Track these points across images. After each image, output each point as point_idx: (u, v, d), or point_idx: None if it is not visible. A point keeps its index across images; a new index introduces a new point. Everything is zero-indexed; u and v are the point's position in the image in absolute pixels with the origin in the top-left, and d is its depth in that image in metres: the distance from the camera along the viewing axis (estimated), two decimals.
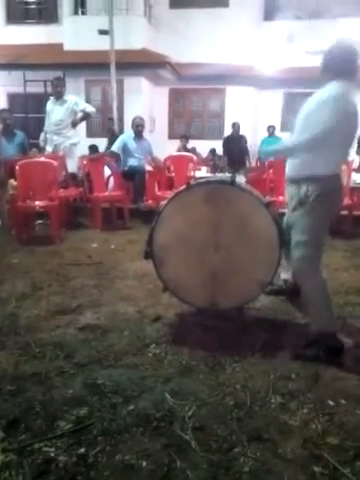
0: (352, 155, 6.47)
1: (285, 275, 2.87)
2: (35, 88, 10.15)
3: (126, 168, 5.90)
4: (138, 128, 5.97)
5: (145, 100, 10.70)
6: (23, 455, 1.56)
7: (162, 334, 2.50)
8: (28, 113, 10.53)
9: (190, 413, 1.81)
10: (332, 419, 1.80)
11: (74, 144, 6.00)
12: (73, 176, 5.93)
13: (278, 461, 1.57)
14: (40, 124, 6.49)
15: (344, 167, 5.18)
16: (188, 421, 1.76)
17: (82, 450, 1.59)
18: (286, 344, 2.40)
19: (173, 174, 6.00)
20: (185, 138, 9.50)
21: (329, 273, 2.43)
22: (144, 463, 1.54)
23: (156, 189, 5.76)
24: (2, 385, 1.98)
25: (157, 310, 2.81)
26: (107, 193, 5.71)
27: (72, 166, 5.95)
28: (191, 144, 9.79)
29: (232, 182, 2.55)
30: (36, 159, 5.35)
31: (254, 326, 2.62)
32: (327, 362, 2.19)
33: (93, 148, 7.85)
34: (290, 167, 2.41)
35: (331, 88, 2.21)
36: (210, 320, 2.60)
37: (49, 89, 8.36)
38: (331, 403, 1.90)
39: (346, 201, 5.01)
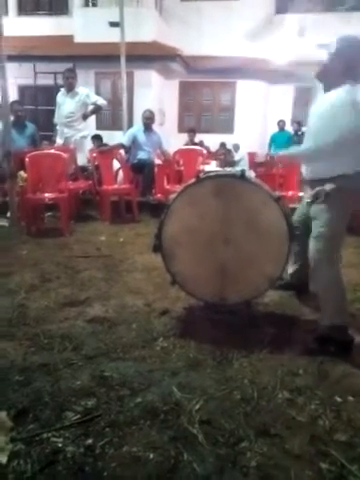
0: None
1: (291, 269, 2.86)
2: (45, 80, 10.17)
3: (135, 161, 5.89)
4: (147, 121, 5.96)
5: (155, 93, 10.67)
6: (31, 445, 1.58)
7: (170, 328, 2.51)
8: (38, 105, 10.56)
9: (197, 407, 1.81)
10: (340, 415, 1.79)
11: (84, 137, 6.01)
12: (83, 169, 5.93)
13: (285, 456, 1.56)
14: (50, 116, 6.49)
15: None
16: (195, 415, 1.76)
17: (89, 441, 1.60)
18: (294, 339, 2.39)
19: (182, 168, 5.97)
20: (193, 132, 9.45)
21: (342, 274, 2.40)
22: (151, 455, 1.54)
23: (165, 182, 5.75)
24: (11, 375, 1.99)
25: (165, 304, 2.81)
26: (116, 186, 5.71)
27: (82, 159, 5.96)
28: (201, 138, 9.74)
29: (242, 176, 2.53)
30: (46, 151, 5.37)
31: (262, 321, 2.61)
32: (336, 358, 2.18)
33: (97, 138, 7.82)
34: (311, 169, 2.38)
35: (346, 91, 2.16)
36: (218, 314, 2.60)
37: (60, 81, 8.36)
38: (339, 399, 1.89)
39: None
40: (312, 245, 2.32)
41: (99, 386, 1.93)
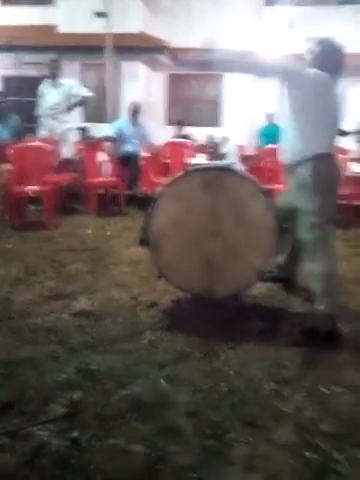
0: (351, 145, 6.45)
1: (277, 261, 2.87)
2: (30, 71, 9.98)
3: (122, 153, 5.84)
4: (134, 113, 5.90)
5: (142, 85, 10.56)
6: (16, 438, 1.56)
7: (157, 320, 2.50)
8: (22, 96, 10.36)
9: (184, 399, 1.81)
10: (325, 406, 1.81)
11: (69, 129, 5.92)
12: (68, 161, 5.85)
13: (271, 447, 1.57)
14: (34, 108, 6.37)
15: (340, 156, 5.20)
16: (182, 407, 1.76)
17: (75, 434, 1.58)
18: (281, 331, 2.40)
19: (169, 160, 5.94)
20: (181, 124, 9.39)
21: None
22: (137, 447, 1.54)
23: (152, 175, 5.72)
24: None
25: (152, 297, 2.80)
26: (102, 179, 5.66)
27: (67, 151, 5.87)
28: (189, 130, 9.69)
29: (229, 169, 2.53)
30: (30, 143, 5.28)
31: (250, 313, 2.62)
32: (322, 349, 2.20)
33: (83, 130, 7.71)
34: (285, 155, 2.47)
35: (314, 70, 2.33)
36: (205, 307, 2.60)
37: (44, 72, 8.21)
38: (325, 391, 1.91)
39: (345, 190, 5.00)
40: (308, 237, 2.35)
41: (85, 379, 1.91)
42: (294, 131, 2.38)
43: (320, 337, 2.26)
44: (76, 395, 1.80)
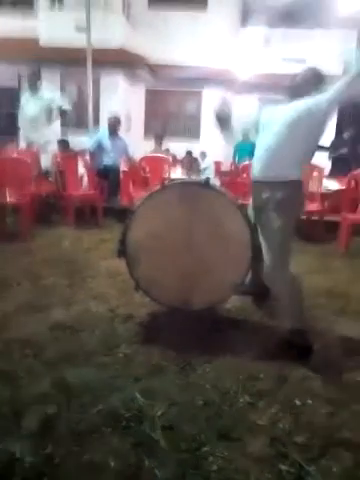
0: (323, 161, 6.64)
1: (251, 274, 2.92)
2: (9, 82, 9.94)
3: (101, 166, 5.85)
4: (113, 127, 5.94)
5: (121, 98, 10.64)
6: None
7: (133, 334, 2.50)
8: (1, 108, 10.30)
9: (160, 413, 1.81)
10: (299, 418, 1.84)
11: (48, 141, 5.91)
12: (47, 172, 5.83)
13: (246, 460, 1.59)
14: (13, 120, 6.35)
15: (315, 173, 5.35)
16: (158, 420, 1.76)
17: (49, 450, 1.56)
18: (255, 344, 2.43)
19: (148, 174, 5.98)
20: (160, 138, 9.48)
21: (299, 276, 2.48)
22: (112, 463, 1.53)
23: (130, 188, 5.74)
24: None
25: (129, 309, 2.80)
26: (81, 192, 5.64)
27: (46, 162, 5.85)
28: (167, 144, 9.78)
29: (206, 184, 2.57)
30: (9, 155, 5.24)
31: (225, 326, 2.64)
32: (295, 362, 2.24)
33: (63, 143, 7.71)
34: (254, 168, 2.48)
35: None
36: (182, 320, 2.61)
37: (24, 84, 8.20)
38: (298, 403, 1.94)
39: (317, 207, 5.15)
40: (267, 254, 2.39)
41: (60, 393, 1.89)
42: (265, 150, 2.40)
43: (293, 350, 2.30)
44: (51, 409, 1.78)
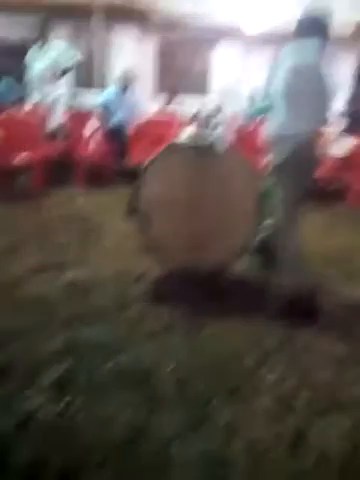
0: (331, 125, 6.41)
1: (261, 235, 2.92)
2: (18, 34, 9.63)
3: (111, 125, 5.75)
4: (126, 83, 5.76)
5: (131, 52, 10.29)
6: (6, 406, 1.60)
7: (144, 293, 2.54)
8: (10, 61, 10.00)
9: (170, 369, 1.87)
10: (304, 376, 1.89)
11: (57, 99, 5.77)
12: (57, 131, 5.74)
13: (252, 414, 1.65)
14: (21, 74, 6.18)
15: (328, 132, 5.18)
16: (168, 376, 1.82)
17: (63, 403, 1.64)
18: (264, 305, 2.46)
19: (158, 133, 5.86)
20: (172, 92, 9.20)
21: (305, 241, 2.48)
22: (124, 415, 1.60)
23: (140, 147, 5.65)
24: None
25: (140, 269, 2.83)
26: (90, 151, 5.58)
27: (55, 121, 5.75)
28: (179, 100, 9.51)
29: (217, 143, 2.52)
30: (18, 113, 5.16)
31: (234, 287, 2.67)
32: (303, 323, 2.27)
33: (72, 101, 7.51)
34: (269, 128, 2.49)
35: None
36: (191, 280, 2.64)
37: (32, 36, 7.93)
38: (304, 361, 1.98)
39: (325, 172, 5.01)
40: (279, 213, 2.43)
41: (73, 349, 1.96)
42: (282, 106, 2.39)
43: (299, 310, 2.33)
44: (64, 366, 1.85)
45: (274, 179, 2.45)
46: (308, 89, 2.33)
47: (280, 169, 2.39)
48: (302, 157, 2.36)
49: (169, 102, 8.94)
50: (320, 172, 4.76)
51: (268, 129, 2.49)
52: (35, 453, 1.41)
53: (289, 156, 2.34)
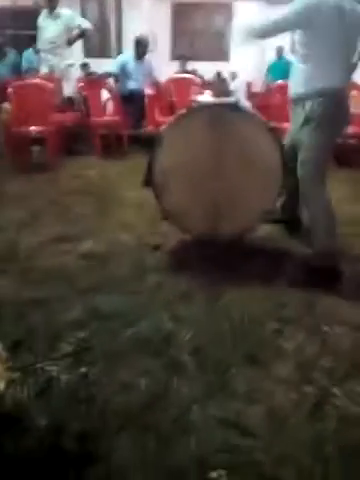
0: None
1: (281, 201, 2.84)
2: (25, 1, 9.39)
3: (125, 91, 5.62)
4: (142, 49, 5.59)
5: (145, 16, 9.94)
6: (27, 374, 1.63)
7: (161, 262, 2.52)
8: (18, 30, 9.82)
9: (188, 337, 1.86)
10: (325, 343, 1.85)
11: (71, 65, 5.65)
12: (70, 100, 5.66)
13: (271, 382, 1.63)
14: (32, 42, 6.05)
15: (354, 92, 4.94)
16: (186, 344, 1.82)
17: (83, 370, 1.65)
18: (284, 272, 2.42)
19: (174, 98, 5.72)
20: (184, 58, 8.91)
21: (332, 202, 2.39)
22: (143, 381, 1.60)
23: (156, 114, 5.53)
24: (4, 310, 2.02)
25: (157, 239, 2.81)
26: (105, 118, 5.49)
27: (69, 89, 5.65)
28: (195, 65, 9.22)
29: (236, 106, 2.43)
30: (31, 81, 5.08)
31: (253, 254, 2.63)
32: (324, 288, 2.22)
33: (85, 66, 7.39)
34: (293, 86, 2.39)
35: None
36: (210, 248, 2.60)
37: (41, 2, 7.72)
38: (325, 328, 1.95)
39: (354, 129, 4.82)
40: (299, 170, 2.33)
41: (92, 319, 1.97)
42: (303, 63, 2.27)
43: (321, 276, 2.28)
44: (83, 334, 1.86)
45: (302, 136, 2.34)
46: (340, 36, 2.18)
47: (310, 125, 2.28)
48: (334, 112, 2.25)
49: (183, 67, 8.68)
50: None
51: (295, 86, 2.37)
52: (55, 418, 1.43)
53: (320, 111, 2.23)
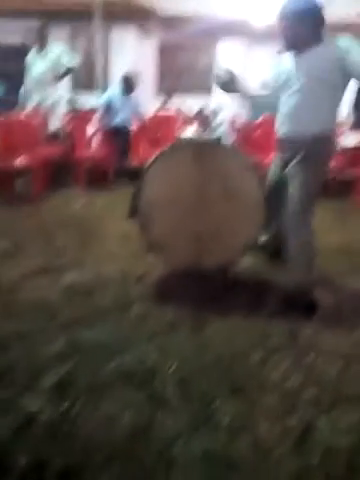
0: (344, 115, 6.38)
1: (264, 234, 2.89)
2: (15, 39, 9.64)
3: (111, 126, 5.74)
4: (130, 85, 5.75)
5: (132, 53, 10.29)
6: (7, 408, 1.59)
7: (146, 293, 2.52)
8: (6, 66, 10.02)
9: (173, 368, 1.85)
10: (309, 373, 1.86)
11: (56, 102, 5.77)
12: (56, 134, 5.74)
13: (256, 413, 1.62)
14: (19, 78, 6.16)
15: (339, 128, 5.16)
16: (171, 376, 1.80)
17: (65, 404, 1.62)
18: (267, 303, 2.44)
19: (159, 133, 5.86)
20: (167, 95, 9.17)
21: (314, 233, 2.45)
22: (126, 415, 1.58)
23: (142, 148, 5.65)
24: None
25: (141, 270, 2.82)
26: (91, 152, 5.58)
27: (55, 123, 5.75)
28: (179, 100, 9.48)
29: (218, 142, 2.50)
30: (17, 116, 5.17)
31: (237, 286, 2.65)
32: (307, 319, 2.25)
33: (72, 103, 7.50)
34: (283, 125, 2.41)
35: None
36: (194, 280, 2.62)
37: (31, 40, 7.93)
38: (309, 358, 1.96)
39: (335, 163, 4.99)
40: (290, 205, 2.37)
41: (75, 352, 1.94)
42: (309, 103, 2.28)
43: (301, 307, 2.30)
44: (66, 367, 1.83)
45: (290, 175, 2.39)
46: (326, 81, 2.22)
47: (303, 164, 2.32)
48: (321, 153, 2.31)
49: (166, 103, 8.90)
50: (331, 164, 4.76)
51: (281, 127, 2.42)
52: (37, 454, 1.39)
53: (316, 153, 2.28)
